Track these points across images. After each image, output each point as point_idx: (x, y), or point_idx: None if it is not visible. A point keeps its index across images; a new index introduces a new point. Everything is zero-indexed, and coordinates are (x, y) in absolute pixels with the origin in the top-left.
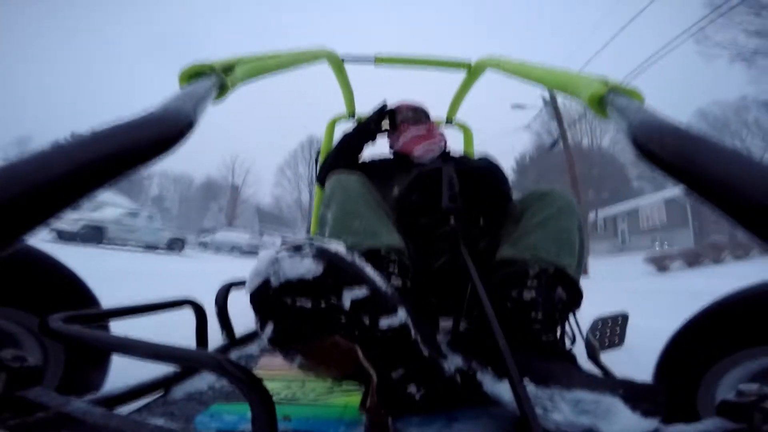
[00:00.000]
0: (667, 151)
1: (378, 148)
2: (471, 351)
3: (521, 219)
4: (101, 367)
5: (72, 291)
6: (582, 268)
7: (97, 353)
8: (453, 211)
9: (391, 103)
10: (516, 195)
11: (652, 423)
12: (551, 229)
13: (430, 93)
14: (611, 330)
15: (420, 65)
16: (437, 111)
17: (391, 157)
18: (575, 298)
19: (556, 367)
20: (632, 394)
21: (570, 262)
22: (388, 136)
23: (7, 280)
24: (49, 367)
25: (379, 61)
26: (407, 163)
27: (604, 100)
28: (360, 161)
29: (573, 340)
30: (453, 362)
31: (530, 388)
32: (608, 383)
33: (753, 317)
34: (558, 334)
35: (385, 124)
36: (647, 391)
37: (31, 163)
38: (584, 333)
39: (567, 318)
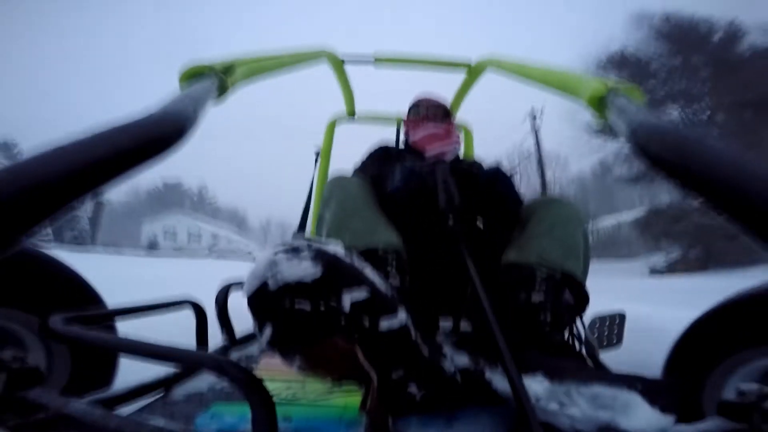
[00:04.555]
0: (668, 151)
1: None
2: (476, 350)
3: (527, 224)
4: (109, 367)
5: (78, 293)
6: (587, 273)
7: (103, 354)
8: (451, 212)
9: (417, 93)
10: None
11: (670, 419)
12: (558, 235)
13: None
14: (609, 329)
15: (420, 65)
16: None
17: (404, 148)
18: (582, 302)
19: (569, 365)
20: (649, 389)
21: (576, 267)
22: (404, 125)
23: (14, 282)
24: (55, 368)
25: (379, 61)
26: (419, 158)
27: (604, 101)
28: (372, 150)
29: (580, 342)
30: (454, 361)
31: (545, 383)
32: (625, 379)
33: (759, 316)
34: (566, 336)
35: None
36: (663, 387)
37: (31, 163)
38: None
39: (574, 321)
